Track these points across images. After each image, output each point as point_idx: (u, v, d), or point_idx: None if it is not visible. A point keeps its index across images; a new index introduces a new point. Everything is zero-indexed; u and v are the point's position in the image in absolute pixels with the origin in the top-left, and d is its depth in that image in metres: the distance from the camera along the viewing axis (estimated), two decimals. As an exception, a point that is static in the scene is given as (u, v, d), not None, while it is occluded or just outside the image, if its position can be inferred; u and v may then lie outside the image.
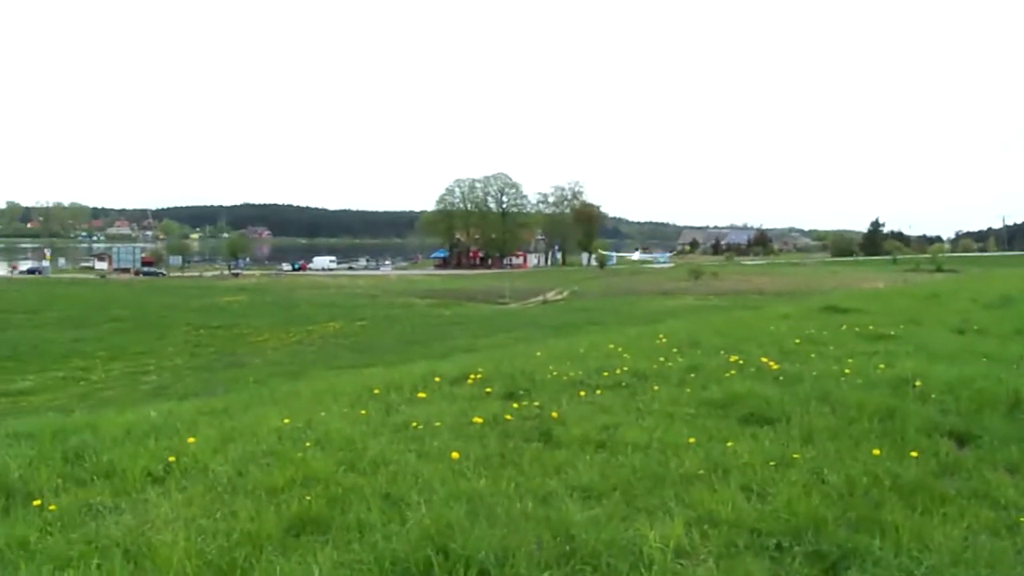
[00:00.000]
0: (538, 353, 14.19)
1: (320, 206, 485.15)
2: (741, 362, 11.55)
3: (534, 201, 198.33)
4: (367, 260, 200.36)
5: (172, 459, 6.91)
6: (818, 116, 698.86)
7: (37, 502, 5.93)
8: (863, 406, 8.39)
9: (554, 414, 8.44)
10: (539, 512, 5.50)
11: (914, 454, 6.76)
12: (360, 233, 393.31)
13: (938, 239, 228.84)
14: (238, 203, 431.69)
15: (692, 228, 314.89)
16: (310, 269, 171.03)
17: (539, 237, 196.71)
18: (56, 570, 4.73)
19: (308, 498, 5.79)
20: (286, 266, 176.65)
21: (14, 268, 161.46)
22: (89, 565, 4.76)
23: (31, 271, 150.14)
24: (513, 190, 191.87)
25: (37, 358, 51.84)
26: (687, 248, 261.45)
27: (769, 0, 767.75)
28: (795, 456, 6.72)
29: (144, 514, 5.67)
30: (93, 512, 5.80)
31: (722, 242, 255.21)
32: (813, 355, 12.29)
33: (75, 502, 5.99)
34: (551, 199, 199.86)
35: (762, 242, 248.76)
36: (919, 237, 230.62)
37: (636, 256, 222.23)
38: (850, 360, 11.52)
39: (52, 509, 5.78)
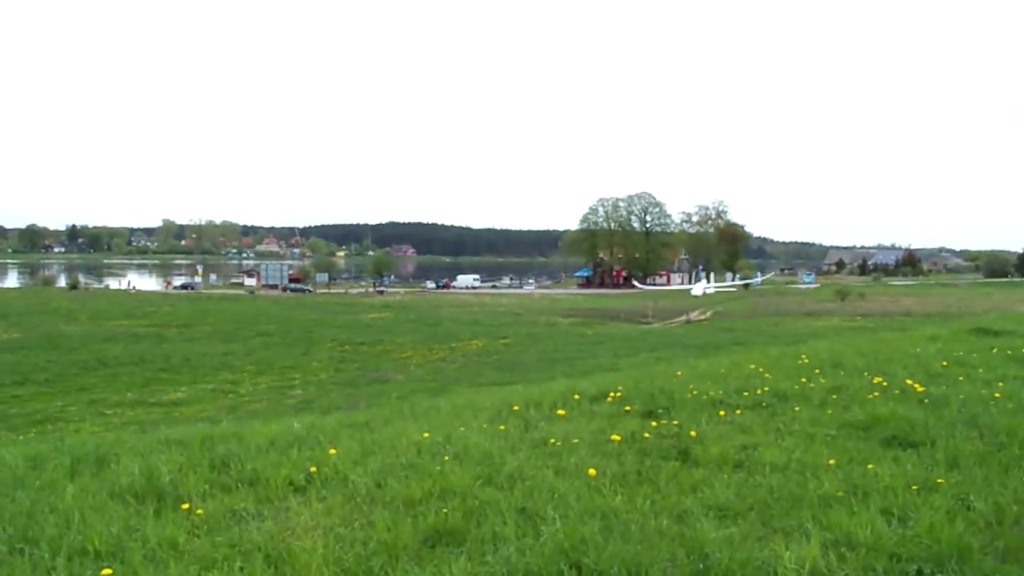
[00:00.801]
0: (678, 372, 14.11)
1: (465, 224, 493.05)
2: (885, 384, 11.28)
3: (677, 220, 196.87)
4: (511, 279, 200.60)
5: (313, 469, 7.13)
6: (970, 133, 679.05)
7: (186, 505, 6.20)
8: (1014, 432, 8.04)
9: (692, 433, 8.43)
10: (674, 530, 5.52)
11: (1070, 483, 6.46)
12: (504, 252, 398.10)
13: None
14: (383, 221, 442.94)
15: (838, 248, 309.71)
16: (454, 287, 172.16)
17: (683, 257, 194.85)
18: (202, 570, 4.95)
19: (445, 510, 5.91)
20: (430, 284, 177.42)
21: (168, 284, 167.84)
22: (232, 568, 4.97)
23: (184, 287, 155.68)
24: (657, 209, 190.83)
25: (189, 370, 53.47)
26: (833, 268, 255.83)
27: (919, 13, 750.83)
28: (939, 481, 6.52)
29: (285, 521, 5.87)
30: (237, 517, 6.04)
31: (869, 262, 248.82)
32: (961, 378, 11.89)
33: (220, 507, 6.24)
34: (695, 218, 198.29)
35: (911, 262, 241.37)
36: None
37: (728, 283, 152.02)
38: (1001, 384, 11.11)
39: (199, 513, 6.04)
